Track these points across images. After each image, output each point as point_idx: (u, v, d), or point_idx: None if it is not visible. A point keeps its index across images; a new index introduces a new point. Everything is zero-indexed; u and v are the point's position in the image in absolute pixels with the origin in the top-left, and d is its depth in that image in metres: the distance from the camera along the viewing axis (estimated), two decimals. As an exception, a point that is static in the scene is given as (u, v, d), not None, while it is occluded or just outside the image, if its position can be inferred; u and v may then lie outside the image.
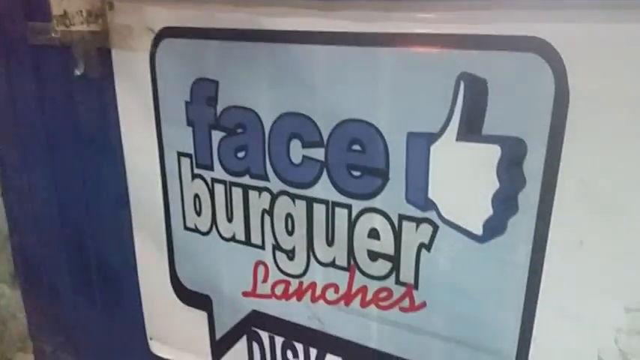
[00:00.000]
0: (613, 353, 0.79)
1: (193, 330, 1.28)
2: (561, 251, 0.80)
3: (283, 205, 1.04)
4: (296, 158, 0.99)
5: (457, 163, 0.84)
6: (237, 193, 1.09)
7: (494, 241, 0.84)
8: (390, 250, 0.95)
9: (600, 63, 0.72)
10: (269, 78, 0.98)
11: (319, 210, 1.00)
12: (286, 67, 0.96)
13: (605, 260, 0.77)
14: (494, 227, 0.83)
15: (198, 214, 1.16)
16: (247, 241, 1.11)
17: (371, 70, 0.88)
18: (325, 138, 0.95)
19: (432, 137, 0.85)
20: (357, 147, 0.92)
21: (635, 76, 0.70)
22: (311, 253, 1.04)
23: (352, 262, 0.99)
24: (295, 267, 1.07)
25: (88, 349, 1.62)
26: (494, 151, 0.80)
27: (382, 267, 0.96)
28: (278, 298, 1.12)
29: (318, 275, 1.05)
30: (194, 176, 1.14)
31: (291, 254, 1.07)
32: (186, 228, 1.20)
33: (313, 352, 1.12)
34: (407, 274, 0.94)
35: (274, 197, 1.04)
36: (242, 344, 1.22)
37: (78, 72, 1.22)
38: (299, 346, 1.14)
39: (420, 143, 0.86)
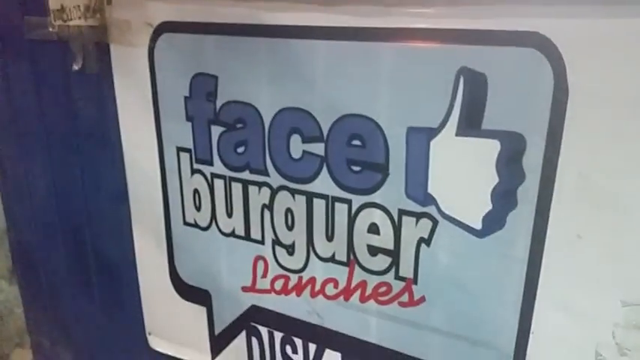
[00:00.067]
0: (610, 347, 0.80)
1: (192, 325, 1.28)
2: (560, 246, 0.80)
3: (283, 200, 1.04)
4: (296, 153, 0.99)
5: (457, 157, 0.84)
6: (236, 188, 1.09)
7: (494, 236, 0.85)
8: (389, 244, 0.95)
9: (600, 59, 0.72)
10: (269, 73, 0.98)
11: (319, 205, 1.00)
12: (286, 62, 0.96)
13: (603, 255, 0.77)
14: (493, 222, 0.84)
15: (198, 209, 1.16)
16: (247, 236, 1.12)
17: (371, 65, 0.88)
18: (325, 133, 0.95)
19: (432, 132, 0.85)
20: (357, 142, 0.92)
21: (635, 72, 0.70)
22: (311, 248, 1.04)
23: (352, 257, 1.00)
24: (295, 262, 1.07)
25: (86, 344, 1.62)
26: (493, 146, 0.80)
27: (382, 262, 0.97)
28: (277, 293, 1.12)
29: (318, 270, 1.05)
30: (193, 171, 1.14)
31: (290, 249, 1.07)
32: (186, 223, 1.20)
33: (312, 347, 1.13)
34: (406, 268, 0.95)
35: (274, 192, 1.05)
36: (241, 339, 1.22)
37: (76, 67, 1.21)
38: (298, 341, 1.14)
39: (420, 138, 0.86)
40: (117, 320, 1.48)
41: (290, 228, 1.05)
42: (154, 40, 1.09)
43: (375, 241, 0.96)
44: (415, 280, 0.95)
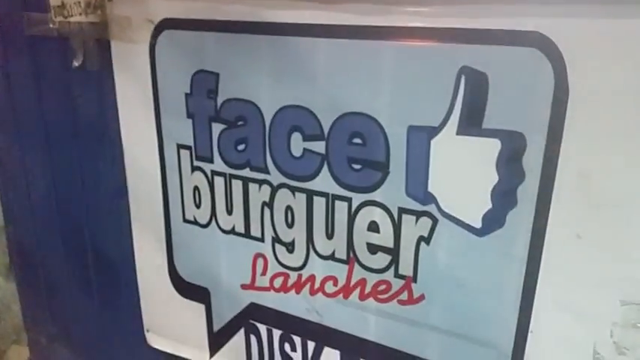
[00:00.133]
0: (608, 346, 0.80)
1: (191, 322, 1.28)
2: (559, 245, 0.80)
3: (283, 197, 1.04)
4: (296, 151, 0.99)
5: (457, 156, 0.85)
6: (237, 186, 1.09)
7: (493, 235, 0.85)
8: (389, 243, 0.95)
9: (600, 58, 0.72)
10: (270, 71, 0.99)
11: (319, 203, 1.00)
12: (287, 60, 0.96)
13: (602, 254, 0.78)
14: (493, 220, 0.84)
15: (198, 206, 1.17)
16: (247, 234, 1.12)
17: (372, 63, 0.88)
18: (326, 131, 0.95)
19: (433, 131, 0.85)
20: (357, 140, 0.92)
21: (636, 71, 0.70)
22: (310, 246, 1.04)
23: (351, 255, 1.00)
24: (294, 259, 1.07)
25: (84, 341, 1.62)
26: (494, 145, 0.81)
27: (381, 260, 0.97)
28: (277, 290, 1.12)
29: (318, 268, 1.05)
30: (194, 168, 1.14)
31: (290, 247, 1.07)
32: (186, 220, 1.20)
33: (311, 345, 1.13)
34: (406, 267, 0.95)
35: (274, 190, 1.05)
36: (240, 337, 1.23)
37: (76, 63, 1.21)
38: (297, 339, 1.15)
39: (421, 137, 0.87)
40: (115, 317, 1.48)
41: (290, 226, 1.05)
42: (155, 36, 1.09)
43: (375, 239, 0.97)
44: (415, 279, 0.95)
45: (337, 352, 1.10)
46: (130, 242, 1.33)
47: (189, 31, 1.06)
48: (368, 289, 1.00)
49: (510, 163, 0.80)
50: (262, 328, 1.19)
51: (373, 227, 0.96)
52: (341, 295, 1.04)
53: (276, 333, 1.17)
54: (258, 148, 1.04)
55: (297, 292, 1.09)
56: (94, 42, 1.17)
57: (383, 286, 0.99)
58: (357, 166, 0.94)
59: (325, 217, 1.01)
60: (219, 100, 1.06)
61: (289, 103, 0.98)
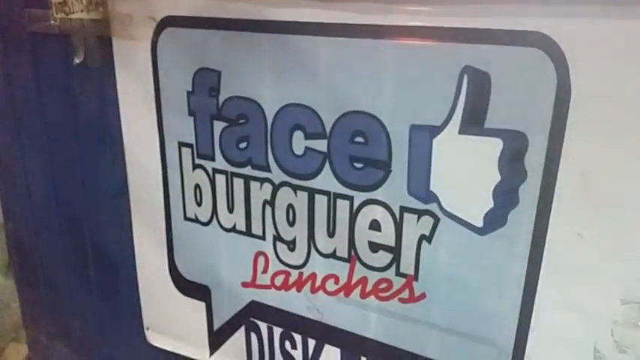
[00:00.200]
0: (609, 344, 0.81)
1: (191, 320, 1.28)
2: (560, 244, 0.81)
3: (285, 196, 1.04)
4: (298, 149, 1.00)
5: (459, 155, 0.85)
6: (238, 184, 1.09)
7: (495, 234, 0.85)
8: (390, 241, 0.96)
9: (602, 58, 0.73)
10: (272, 69, 0.99)
11: (321, 201, 1.00)
12: (289, 58, 0.96)
13: (603, 253, 0.78)
14: (494, 219, 0.85)
15: (199, 204, 1.17)
16: (248, 232, 1.12)
17: (375, 62, 0.89)
18: (328, 129, 0.95)
19: (435, 130, 0.86)
20: (359, 139, 0.93)
21: (637, 72, 0.71)
22: (312, 244, 1.05)
23: (353, 253, 1.00)
24: (296, 258, 1.08)
25: (83, 339, 1.62)
26: (496, 145, 0.81)
27: (383, 258, 0.97)
28: (277, 288, 1.12)
29: (319, 266, 1.05)
30: (195, 166, 1.14)
31: (291, 245, 1.07)
32: (187, 218, 1.20)
33: (311, 342, 1.13)
34: (407, 265, 0.95)
35: (276, 188, 1.05)
36: (240, 335, 1.23)
37: (77, 60, 1.21)
38: (297, 337, 1.15)
39: (423, 136, 0.87)
40: (115, 315, 1.48)
41: (291, 224, 1.06)
42: (157, 34, 1.09)
43: (377, 237, 0.97)
44: (416, 277, 0.95)
45: (338, 350, 1.10)
46: (130, 240, 1.33)
47: (191, 29, 1.06)
48: (369, 288, 1.01)
49: (512, 163, 0.81)
50: (263, 326, 1.19)
51: (375, 226, 0.96)
52: (342, 293, 1.04)
53: (277, 331, 1.17)
54: (259, 147, 1.04)
55: (298, 290, 1.10)
56: (96, 39, 1.17)
57: (384, 285, 0.99)
58: (358, 165, 0.95)
59: (327, 216, 1.01)
60: (221, 98, 1.06)
61: (291, 102, 0.98)
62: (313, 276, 1.07)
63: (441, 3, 0.82)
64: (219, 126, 1.08)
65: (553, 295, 0.83)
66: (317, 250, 1.04)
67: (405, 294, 0.97)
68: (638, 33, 0.70)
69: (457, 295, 0.93)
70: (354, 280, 1.02)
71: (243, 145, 1.06)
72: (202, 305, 1.26)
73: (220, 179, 1.11)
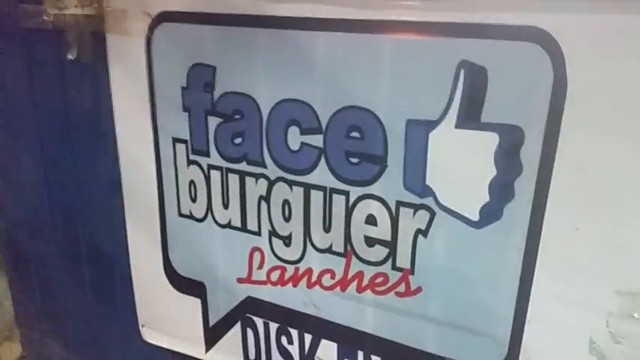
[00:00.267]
0: (604, 336, 0.82)
1: (186, 317, 1.28)
2: (556, 237, 0.82)
3: (280, 191, 1.04)
4: (294, 145, 0.99)
5: (455, 150, 0.86)
6: (233, 180, 1.09)
7: (491, 227, 0.86)
8: (387, 236, 0.96)
9: (599, 53, 0.73)
10: (267, 64, 0.99)
11: (317, 196, 1.00)
12: (285, 53, 0.96)
13: (599, 246, 0.79)
14: (490, 213, 0.85)
15: (194, 200, 1.16)
16: (243, 228, 1.12)
17: (371, 57, 0.89)
18: (324, 125, 0.95)
19: (431, 124, 0.86)
20: (355, 134, 0.93)
21: (634, 66, 0.71)
22: (308, 239, 1.05)
23: (349, 248, 1.00)
24: (291, 253, 1.08)
25: (77, 337, 1.61)
26: (492, 139, 0.81)
27: (379, 253, 0.98)
28: (273, 284, 1.12)
29: (315, 261, 1.06)
30: (190, 162, 1.13)
31: (287, 240, 1.07)
32: (181, 214, 1.20)
33: (308, 337, 1.14)
34: (403, 259, 0.96)
35: (271, 184, 1.05)
36: (236, 330, 1.23)
37: (71, 56, 1.20)
38: (294, 332, 1.15)
39: (419, 130, 0.87)
40: (109, 313, 1.47)
41: (287, 219, 1.06)
42: (151, 29, 1.09)
43: (373, 232, 0.97)
44: (412, 271, 0.96)
45: (334, 345, 1.11)
46: (124, 237, 1.32)
47: (186, 24, 1.05)
48: (365, 282, 1.01)
49: (508, 157, 0.81)
50: (259, 322, 1.19)
51: (371, 220, 0.97)
52: (338, 287, 1.05)
53: (273, 326, 1.17)
54: (255, 142, 1.04)
55: (294, 286, 1.10)
56: (90, 35, 1.16)
57: (380, 279, 0.99)
58: (354, 160, 0.95)
59: (323, 211, 1.01)
60: (216, 94, 1.05)
61: (287, 97, 0.98)
62: (309, 271, 1.07)
63: (436, -3, 0.83)
64: (214, 122, 1.07)
65: (549, 288, 0.84)
66: (313, 245, 1.05)
67: (402, 288, 0.98)
68: (635, 28, 0.71)
69: (453, 289, 0.93)
70: (350, 275, 1.02)
71: (238, 140, 1.06)
72: (198, 302, 1.25)
73: (215, 175, 1.11)
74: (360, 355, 1.08)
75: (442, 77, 0.83)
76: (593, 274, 0.80)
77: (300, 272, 1.08)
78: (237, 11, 0.98)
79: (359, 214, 0.97)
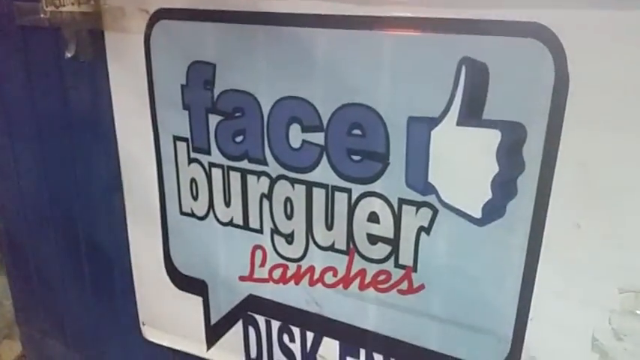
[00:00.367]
0: (607, 333, 0.82)
1: (188, 315, 1.28)
2: (559, 234, 0.81)
3: (282, 189, 1.04)
4: (295, 142, 0.99)
5: (457, 147, 0.85)
6: (235, 178, 1.09)
7: (493, 224, 0.86)
8: (389, 233, 0.96)
9: (600, 49, 0.73)
10: (268, 61, 0.98)
11: (319, 194, 1.00)
12: (285, 51, 0.96)
13: (601, 243, 0.79)
14: (493, 210, 0.85)
15: (195, 198, 1.16)
16: (245, 226, 1.11)
17: (372, 54, 0.88)
18: (325, 122, 0.95)
19: (433, 122, 0.86)
20: (357, 131, 0.92)
21: (635, 62, 0.71)
22: (310, 237, 1.04)
23: (351, 246, 1.00)
24: (294, 251, 1.07)
25: (78, 335, 1.61)
26: (494, 136, 0.81)
27: (381, 250, 0.98)
28: (275, 282, 1.12)
29: (317, 259, 1.05)
30: (191, 160, 1.13)
31: (289, 238, 1.07)
32: (183, 213, 1.19)
33: (310, 335, 1.14)
34: (406, 257, 0.96)
35: (273, 181, 1.04)
36: (237, 329, 1.23)
37: (68, 54, 1.19)
38: (296, 330, 1.15)
39: (421, 128, 0.87)
40: (110, 311, 1.47)
41: (289, 217, 1.05)
42: (150, 27, 1.08)
43: (375, 229, 0.97)
44: (415, 268, 0.96)
45: (336, 343, 1.11)
46: (125, 235, 1.32)
47: (185, 22, 1.04)
48: (368, 280, 1.01)
49: (510, 154, 0.81)
50: (261, 320, 1.19)
51: (373, 218, 0.96)
52: (341, 285, 1.04)
53: (275, 324, 1.17)
54: (256, 140, 1.03)
55: (297, 283, 1.10)
56: (87, 32, 1.16)
57: (383, 276, 0.99)
58: (356, 157, 0.94)
59: (325, 209, 1.01)
60: (216, 92, 1.05)
61: (288, 94, 0.98)
62: (311, 269, 1.07)
63: (437, -6, 0.82)
64: (214, 119, 1.07)
65: (551, 285, 0.84)
66: (315, 242, 1.04)
67: (404, 285, 0.97)
68: (636, 23, 0.70)
69: (456, 286, 0.93)
70: (352, 273, 1.02)
71: (239, 138, 1.05)
72: (199, 300, 1.25)
73: (217, 173, 1.11)
74: (363, 353, 1.08)
75: (443, 74, 0.82)
76: (595, 271, 0.80)
77: (303, 270, 1.08)
78: (236, 8, 0.98)
79: (361, 212, 0.97)
